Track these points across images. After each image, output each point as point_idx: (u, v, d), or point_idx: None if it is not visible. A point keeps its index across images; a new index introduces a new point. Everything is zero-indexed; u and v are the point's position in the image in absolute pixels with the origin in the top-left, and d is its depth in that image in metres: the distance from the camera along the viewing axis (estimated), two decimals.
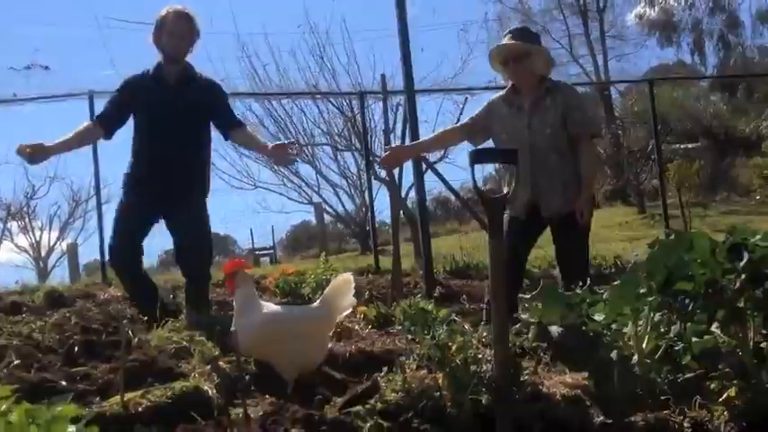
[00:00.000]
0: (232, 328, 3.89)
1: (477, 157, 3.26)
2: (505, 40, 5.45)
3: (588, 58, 29.63)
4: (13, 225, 31.19)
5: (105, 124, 5.84)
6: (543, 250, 10.38)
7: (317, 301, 4.10)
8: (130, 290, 6.04)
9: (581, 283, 4.32)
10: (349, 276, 4.08)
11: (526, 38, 5.43)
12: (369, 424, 3.21)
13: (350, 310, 4.17)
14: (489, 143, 5.61)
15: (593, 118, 5.42)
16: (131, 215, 5.76)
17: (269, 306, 4.05)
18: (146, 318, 5.42)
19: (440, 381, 3.39)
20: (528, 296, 3.76)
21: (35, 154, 5.52)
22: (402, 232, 16.29)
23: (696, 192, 19.37)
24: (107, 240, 6.51)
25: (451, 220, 27.03)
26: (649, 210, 22.71)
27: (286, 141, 7.04)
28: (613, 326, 3.53)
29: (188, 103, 5.71)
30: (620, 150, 24.39)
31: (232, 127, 5.96)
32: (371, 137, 16.07)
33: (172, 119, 5.68)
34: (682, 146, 23.54)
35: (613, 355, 3.28)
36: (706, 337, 3.34)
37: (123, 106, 5.83)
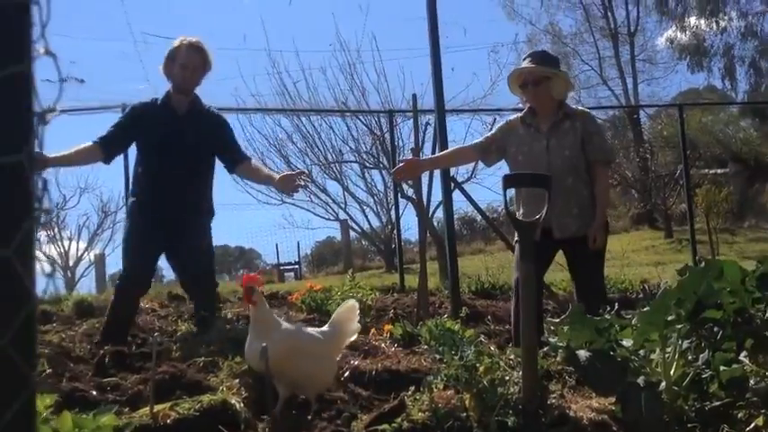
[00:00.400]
0: (247, 346, 3.87)
1: (511, 182, 3.29)
2: (525, 64, 5.47)
3: (618, 81, 29.59)
4: (42, 235, 31.39)
5: (107, 148, 5.79)
6: (569, 272, 10.41)
7: (327, 325, 4.13)
8: (120, 317, 5.70)
9: (603, 308, 4.35)
10: (354, 303, 4.15)
11: (546, 62, 5.46)
12: None
13: (355, 336, 4.22)
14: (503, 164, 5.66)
15: (610, 146, 5.45)
16: (144, 244, 5.74)
17: (286, 324, 4.05)
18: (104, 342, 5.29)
19: (466, 401, 3.41)
20: (556, 320, 3.77)
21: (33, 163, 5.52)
22: (428, 251, 16.35)
23: (724, 218, 19.26)
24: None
25: (477, 240, 26.99)
26: (676, 234, 22.59)
27: (294, 171, 7.04)
28: (641, 352, 3.53)
29: (197, 134, 5.73)
30: (648, 174, 24.29)
31: (238, 162, 6.01)
32: (399, 155, 16.12)
33: (180, 148, 5.67)
34: (710, 171, 23.44)
35: (641, 381, 3.28)
36: (734, 365, 3.33)
37: (129, 132, 5.81)
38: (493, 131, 5.74)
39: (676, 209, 23.03)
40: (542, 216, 3.43)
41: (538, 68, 5.36)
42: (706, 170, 23.28)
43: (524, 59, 5.56)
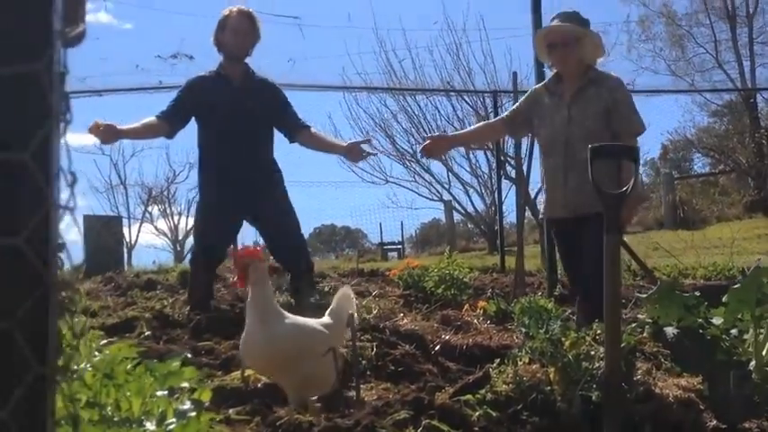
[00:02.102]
0: (244, 337, 3.36)
1: (597, 153, 3.26)
2: (554, 23, 5.11)
3: (734, 64, 28.65)
4: (154, 209, 32.40)
5: (170, 123, 5.85)
6: (675, 258, 10.24)
7: (327, 315, 3.68)
8: (197, 288, 5.83)
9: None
10: (348, 291, 3.85)
11: (577, 21, 5.06)
12: (478, 413, 3.26)
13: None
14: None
15: (639, 116, 4.98)
16: (216, 215, 5.74)
17: (291, 317, 3.49)
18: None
19: (551, 375, 3.41)
20: (645, 295, 3.73)
21: (106, 134, 5.63)
22: (532, 234, 16.25)
23: None
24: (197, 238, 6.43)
25: None
26: None
27: (361, 138, 6.76)
28: (733, 331, 3.47)
29: (255, 103, 5.75)
30: (764, 160, 23.50)
31: (299, 129, 5.99)
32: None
33: (240, 118, 5.69)
34: None
35: (730, 360, 3.23)
36: None
37: (187, 107, 5.84)
38: (519, 103, 5.43)
39: None
40: (628, 189, 3.36)
41: (569, 27, 5.01)
42: None
43: (553, 19, 5.18)
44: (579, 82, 5.00)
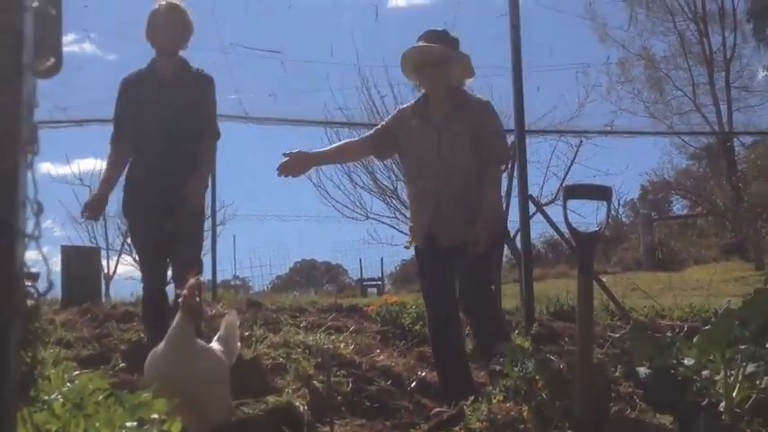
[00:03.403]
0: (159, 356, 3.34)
1: (571, 193, 3.29)
2: (421, 43, 4.84)
3: (711, 108, 28.96)
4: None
5: (124, 137, 5.48)
6: (652, 299, 10.29)
7: (215, 341, 3.70)
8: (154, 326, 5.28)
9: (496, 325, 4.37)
10: (234, 317, 3.92)
11: (445, 42, 4.83)
12: None
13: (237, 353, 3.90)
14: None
15: (505, 143, 4.93)
16: (146, 249, 5.40)
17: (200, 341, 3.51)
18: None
19: (525, 414, 3.42)
20: (617, 335, 3.75)
21: (92, 209, 5.47)
22: (511, 273, 16.23)
23: None
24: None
25: (561, 263, 26.72)
26: None
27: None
28: (705, 372, 3.48)
29: (185, 96, 5.43)
30: (741, 204, 23.73)
31: (202, 134, 5.51)
32: None
33: (169, 113, 5.36)
34: None
35: (701, 401, 3.24)
36: None
37: (126, 110, 5.49)
38: (386, 121, 5.13)
39: None
40: (602, 228, 3.40)
41: (438, 48, 4.76)
42: None
43: (420, 39, 4.88)
44: (448, 104, 4.82)
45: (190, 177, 5.16)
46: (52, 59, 1.03)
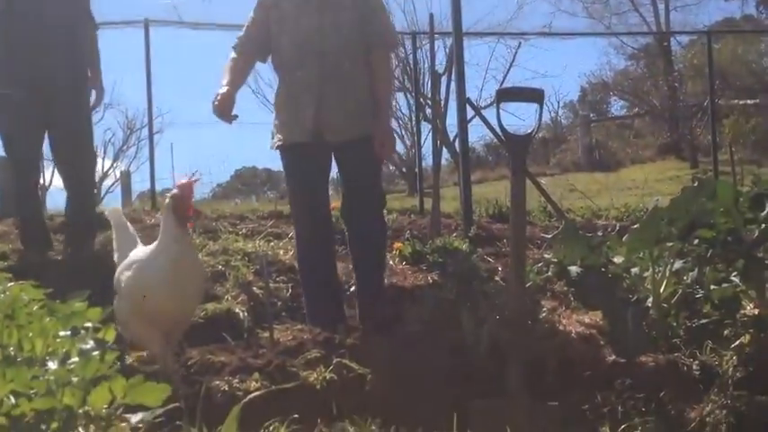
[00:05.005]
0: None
1: (505, 96, 3.31)
2: None
3: (649, 7, 28.98)
4: None
5: None
6: (590, 200, 10.45)
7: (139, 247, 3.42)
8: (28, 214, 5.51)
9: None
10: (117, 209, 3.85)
11: None
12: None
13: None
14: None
15: (394, 27, 4.52)
16: (20, 132, 5.22)
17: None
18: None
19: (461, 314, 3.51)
20: (550, 236, 3.84)
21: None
22: (452, 176, 16.37)
23: (751, 149, 19.08)
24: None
25: (502, 166, 26.92)
26: (702, 165, 22.34)
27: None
28: (635, 270, 3.59)
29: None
30: (677, 104, 24.02)
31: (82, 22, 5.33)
32: (424, 78, 16.01)
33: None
34: (740, 102, 23.09)
35: (629, 297, 3.36)
36: (724, 285, 3.38)
37: None
38: (253, 12, 4.42)
39: (704, 139, 22.82)
40: (534, 131, 3.42)
41: None
42: (735, 100, 22.93)
43: None
44: None
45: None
46: None
